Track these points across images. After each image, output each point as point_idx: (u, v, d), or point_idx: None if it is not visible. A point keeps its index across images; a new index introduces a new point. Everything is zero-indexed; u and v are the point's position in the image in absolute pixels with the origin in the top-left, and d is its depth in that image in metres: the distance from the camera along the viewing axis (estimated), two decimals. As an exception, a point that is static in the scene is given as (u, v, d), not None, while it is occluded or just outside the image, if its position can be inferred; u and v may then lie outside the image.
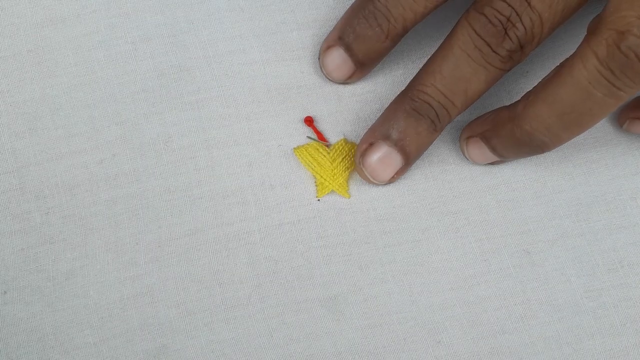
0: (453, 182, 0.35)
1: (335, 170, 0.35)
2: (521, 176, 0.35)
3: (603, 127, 0.36)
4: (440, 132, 0.33)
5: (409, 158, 0.33)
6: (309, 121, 0.35)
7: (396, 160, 0.33)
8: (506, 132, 0.32)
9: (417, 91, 0.32)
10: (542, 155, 0.36)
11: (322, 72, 0.35)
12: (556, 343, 0.34)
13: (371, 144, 0.33)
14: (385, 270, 0.34)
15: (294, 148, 0.35)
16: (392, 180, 0.34)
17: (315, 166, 0.35)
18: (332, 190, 0.35)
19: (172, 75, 0.36)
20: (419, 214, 0.35)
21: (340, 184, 0.35)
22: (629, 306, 0.34)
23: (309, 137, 0.34)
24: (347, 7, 0.36)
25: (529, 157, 0.35)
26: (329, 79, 0.35)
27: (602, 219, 0.35)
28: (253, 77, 0.36)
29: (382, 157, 0.33)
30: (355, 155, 0.34)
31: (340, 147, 0.35)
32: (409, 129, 0.32)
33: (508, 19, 0.30)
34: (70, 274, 0.34)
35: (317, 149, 0.35)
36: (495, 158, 0.34)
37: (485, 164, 0.35)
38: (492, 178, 0.35)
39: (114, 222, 0.34)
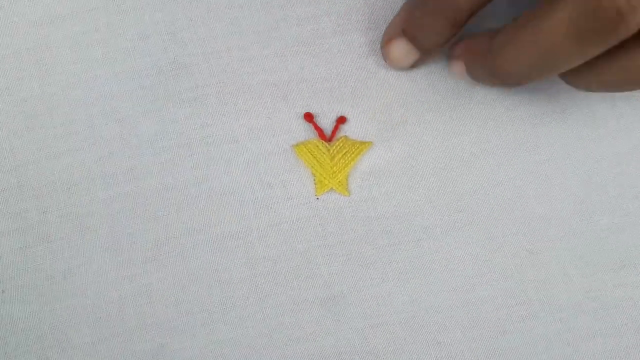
0: (455, 180, 0.35)
1: (335, 167, 0.35)
2: (524, 174, 0.35)
3: (606, 125, 0.36)
4: (459, 28, 0.32)
5: (427, 51, 0.34)
6: (309, 117, 0.35)
7: (413, 53, 0.34)
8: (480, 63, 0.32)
9: None
10: (545, 154, 0.35)
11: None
12: (557, 343, 0.34)
13: (390, 39, 0.34)
14: (385, 270, 0.34)
15: (294, 145, 0.35)
16: (413, 66, 0.35)
17: (314, 164, 0.35)
18: (332, 188, 0.35)
19: (170, 72, 0.36)
20: (420, 212, 0.35)
21: (339, 181, 0.35)
22: (630, 306, 0.34)
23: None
24: (345, 2, 0.36)
25: (528, 156, 0.35)
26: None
27: (604, 218, 0.35)
28: (252, 73, 0.36)
29: (401, 50, 0.34)
30: (381, 44, 0.35)
31: (341, 145, 0.35)
32: (425, 26, 0.32)
33: None
34: (68, 273, 0.34)
35: (317, 146, 0.35)
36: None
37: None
38: (495, 176, 0.35)
39: (111, 221, 0.34)
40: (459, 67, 0.35)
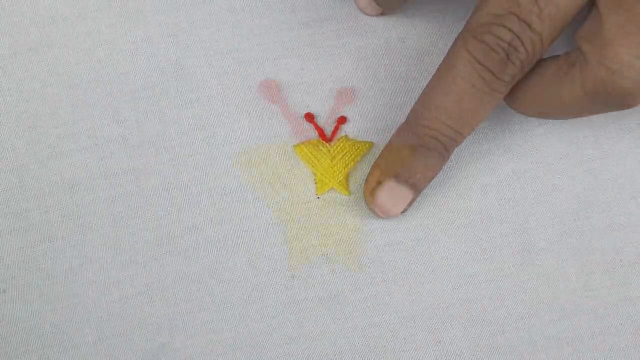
0: (454, 180, 0.35)
1: (335, 167, 0.35)
2: (523, 174, 0.35)
3: (604, 126, 0.36)
4: (449, 157, 0.33)
5: (420, 190, 0.33)
6: (310, 117, 0.35)
7: (407, 195, 0.33)
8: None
9: (423, 127, 0.32)
10: (543, 153, 0.36)
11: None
12: (556, 342, 0.34)
13: (379, 182, 0.33)
14: (385, 269, 0.34)
15: (294, 145, 0.35)
16: (403, 212, 0.34)
17: (315, 163, 0.35)
18: (332, 188, 0.35)
19: (172, 74, 0.36)
20: (420, 212, 0.35)
21: (340, 181, 0.35)
22: (629, 305, 0.34)
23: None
24: (349, 5, 0.37)
25: (527, 156, 0.35)
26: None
27: (602, 217, 0.35)
28: (253, 74, 0.36)
29: (393, 195, 0.33)
30: (365, 193, 0.34)
31: (341, 145, 0.35)
32: (418, 164, 0.32)
33: (509, 44, 0.29)
34: (69, 273, 0.34)
35: (317, 146, 0.35)
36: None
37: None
38: (494, 176, 0.35)
39: (113, 221, 0.34)
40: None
